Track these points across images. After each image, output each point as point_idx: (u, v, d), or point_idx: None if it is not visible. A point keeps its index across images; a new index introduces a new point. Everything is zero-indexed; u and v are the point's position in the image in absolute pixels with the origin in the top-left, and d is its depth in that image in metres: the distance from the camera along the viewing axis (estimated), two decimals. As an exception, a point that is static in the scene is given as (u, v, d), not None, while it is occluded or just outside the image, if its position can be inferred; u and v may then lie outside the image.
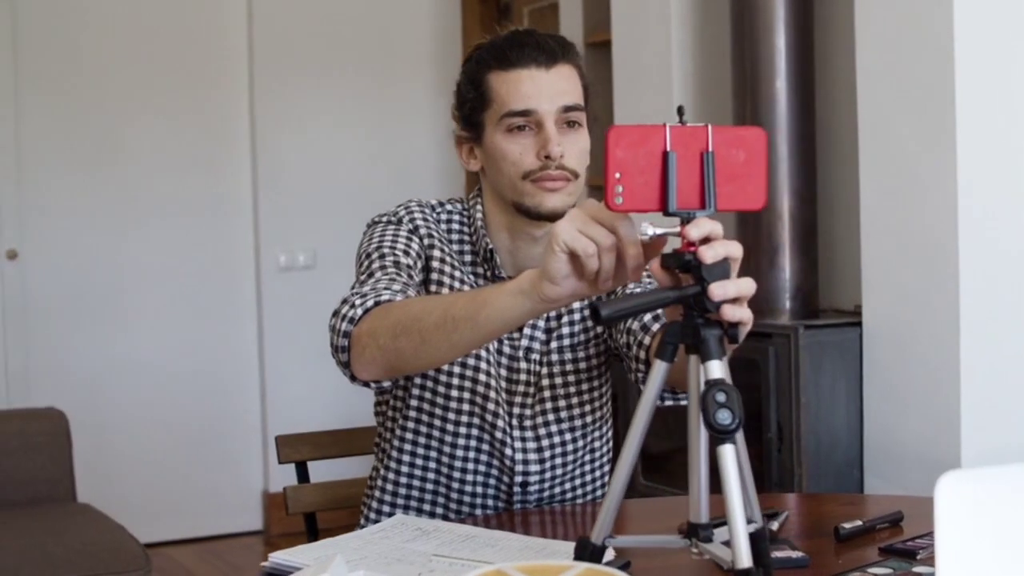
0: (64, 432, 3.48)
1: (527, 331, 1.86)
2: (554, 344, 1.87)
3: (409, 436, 1.89)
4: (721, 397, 1.23)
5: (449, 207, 1.93)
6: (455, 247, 1.89)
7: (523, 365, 1.86)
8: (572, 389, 1.88)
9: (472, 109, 1.83)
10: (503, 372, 1.86)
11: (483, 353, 1.84)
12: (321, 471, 2.26)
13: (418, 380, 1.86)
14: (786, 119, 3.29)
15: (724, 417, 1.22)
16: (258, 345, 4.85)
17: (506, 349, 1.86)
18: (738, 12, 3.37)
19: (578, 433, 1.90)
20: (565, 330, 1.88)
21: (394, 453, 1.90)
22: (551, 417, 1.87)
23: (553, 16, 4.63)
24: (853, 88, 3.09)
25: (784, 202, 3.29)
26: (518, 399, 1.86)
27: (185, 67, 4.75)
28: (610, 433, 1.98)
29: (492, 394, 1.84)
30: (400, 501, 1.90)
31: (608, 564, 1.49)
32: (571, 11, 4.46)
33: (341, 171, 4.94)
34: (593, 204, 1.36)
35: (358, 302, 1.66)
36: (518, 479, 1.86)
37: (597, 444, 1.94)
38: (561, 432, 1.88)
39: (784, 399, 3.05)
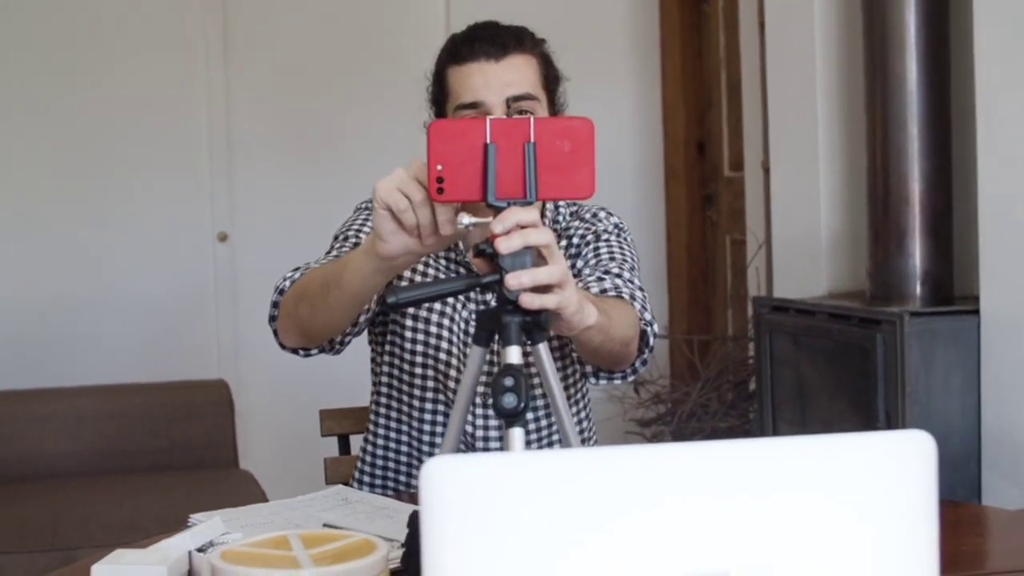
0: (227, 402, 3.75)
1: (494, 310, 1.92)
2: (522, 326, 1.92)
3: (382, 411, 1.99)
4: (508, 382, 1.28)
5: None
6: None
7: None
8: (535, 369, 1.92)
9: (437, 103, 1.92)
10: (468, 351, 1.92)
11: (445, 333, 1.91)
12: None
13: (386, 358, 1.96)
14: (916, 97, 3.15)
15: (509, 401, 1.27)
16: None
17: (471, 329, 1.92)
18: (869, -13, 3.26)
19: (542, 412, 1.94)
20: (534, 310, 1.92)
21: (371, 427, 2.01)
22: None
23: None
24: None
25: (913, 186, 3.16)
26: (483, 378, 1.92)
27: (382, 60, 4.97)
28: (584, 412, 2.01)
29: (453, 372, 1.91)
30: (379, 473, 2.00)
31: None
32: (749, -6, 4.42)
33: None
34: (417, 162, 1.42)
35: (289, 274, 1.81)
36: (480, 457, 1.92)
37: (567, 424, 1.97)
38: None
39: (892, 388, 2.94)
